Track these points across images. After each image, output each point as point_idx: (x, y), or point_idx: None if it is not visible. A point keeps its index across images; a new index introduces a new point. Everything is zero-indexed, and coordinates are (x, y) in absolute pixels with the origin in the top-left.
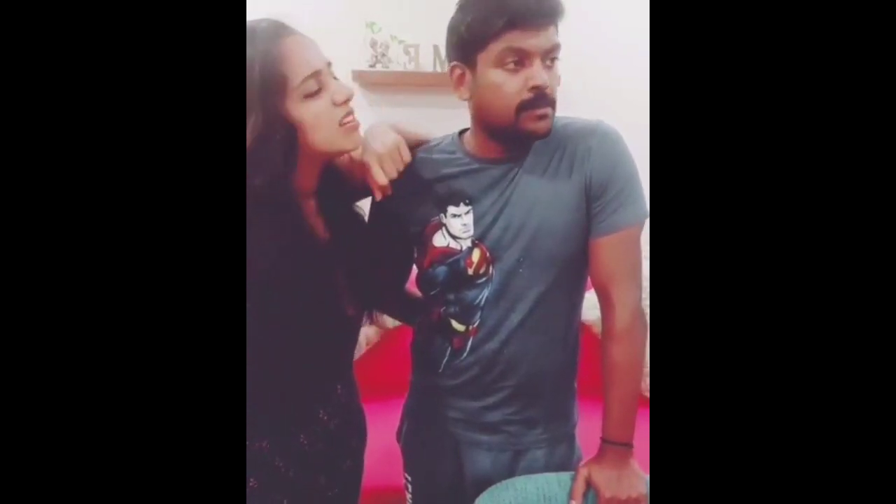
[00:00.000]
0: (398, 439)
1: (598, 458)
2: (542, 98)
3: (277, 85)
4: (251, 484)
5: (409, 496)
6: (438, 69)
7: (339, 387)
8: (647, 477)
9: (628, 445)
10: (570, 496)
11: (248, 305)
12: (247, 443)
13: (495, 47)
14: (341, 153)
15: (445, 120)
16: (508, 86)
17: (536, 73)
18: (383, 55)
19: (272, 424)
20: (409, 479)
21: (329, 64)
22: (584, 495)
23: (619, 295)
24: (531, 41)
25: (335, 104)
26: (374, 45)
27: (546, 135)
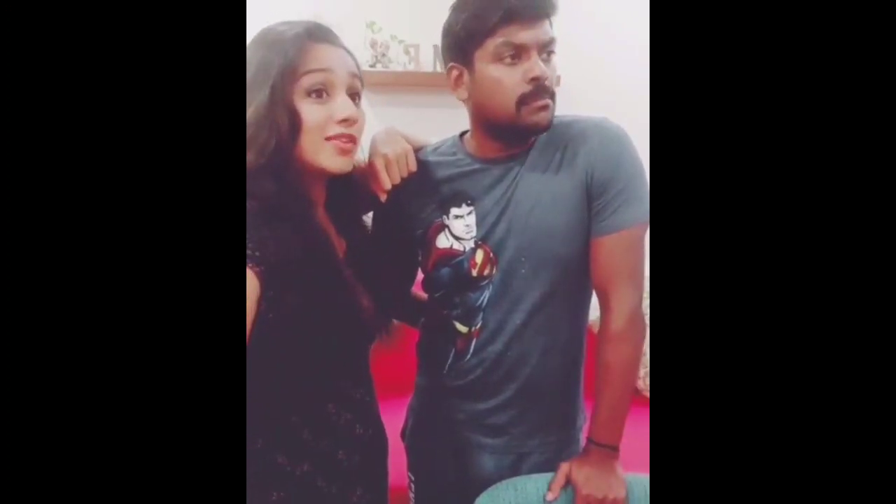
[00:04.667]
0: (403, 438)
1: (582, 456)
2: (541, 90)
3: (288, 71)
4: None
5: (412, 495)
6: (438, 69)
7: (367, 396)
8: (627, 481)
9: (613, 448)
10: (549, 488)
11: (279, 317)
12: (289, 468)
13: (492, 42)
14: (322, 171)
15: (445, 120)
16: (507, 80)
17: (534, 65)
18: (383, 55)
19: (313, 447)
20: (413, 478)
21: (354, 76)
22: (563, 488)
23: (617, 297)
24: (528, 34)
25: (333, 119)
26: (374, 45)
27: (548, 127)
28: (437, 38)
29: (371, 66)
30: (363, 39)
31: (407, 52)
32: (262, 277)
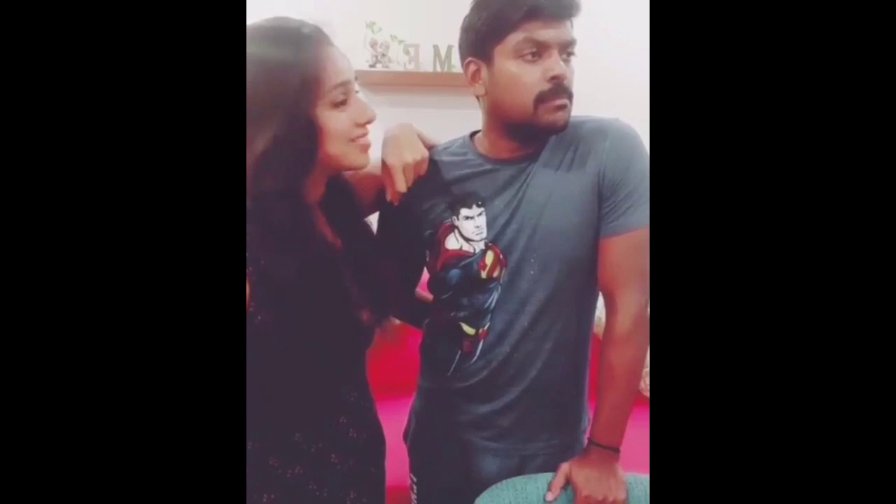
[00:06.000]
0: (405, 440)
1: (583, 457)
2: (560, 89)
3: (312, 88)
4: None
5: (414, 497)
6: (438, 69)
7: (362, 400)
8: (627, 481)
9: (614, 449)
10: (548, 489)
11: (269, 320)
12: (280, 470)
13: (514, 38)
14: (349, 169)
15: (445, 120)
16: (527, 77)
17: (555, 63)
18: (383, 55)
19: (306, 450)
20: (415, 480)
21: (356, 77)
22: (563, 489)
23: (623, 299)
24: (550, 32)
25: (356, 124)
26: (374, 45)
27: (564, 127)
28: (437, 38)
29: (371, 66)
30: (363, 39)
31: (407, 52)
32: (250, 279)
